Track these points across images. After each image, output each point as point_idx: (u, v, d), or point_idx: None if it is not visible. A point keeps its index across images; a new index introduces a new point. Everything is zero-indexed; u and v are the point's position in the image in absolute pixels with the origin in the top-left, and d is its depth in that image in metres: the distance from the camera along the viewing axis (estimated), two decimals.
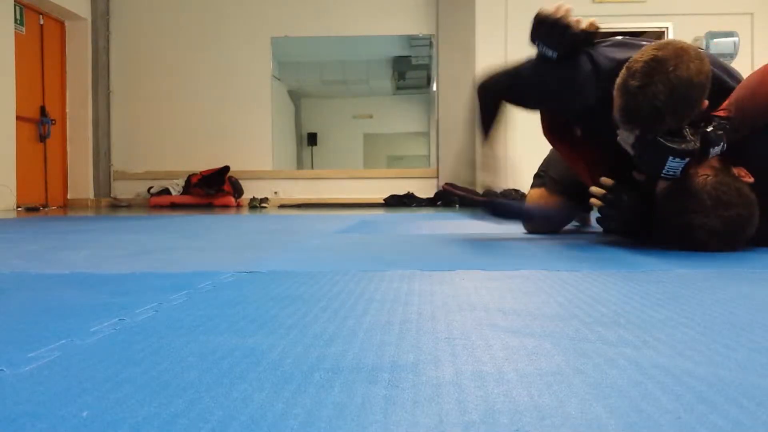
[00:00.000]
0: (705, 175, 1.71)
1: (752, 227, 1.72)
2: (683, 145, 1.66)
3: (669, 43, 1.71)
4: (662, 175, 1.72)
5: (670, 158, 1.67)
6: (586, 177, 2.14)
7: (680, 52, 1.66)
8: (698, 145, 1.66)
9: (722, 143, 1.68)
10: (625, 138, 1.76)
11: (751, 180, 1.73)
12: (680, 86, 1.62)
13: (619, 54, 1.92)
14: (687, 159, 1.67)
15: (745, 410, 0.52)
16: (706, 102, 1.70)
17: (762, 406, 0.53)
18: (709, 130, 1.68)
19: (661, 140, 1.68)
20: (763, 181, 1.78)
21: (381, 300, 1.03)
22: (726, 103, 1.75)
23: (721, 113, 1.72)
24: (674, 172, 1.70)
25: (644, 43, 1.93)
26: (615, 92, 1.74)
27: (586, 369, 0.64)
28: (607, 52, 1.98)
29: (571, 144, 2.24)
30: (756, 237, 1.85)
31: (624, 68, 1.73)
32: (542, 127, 2.32)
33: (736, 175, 1.74)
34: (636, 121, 1.70)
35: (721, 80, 1.82)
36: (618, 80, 1.73)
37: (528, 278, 1.29)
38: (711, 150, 1.68)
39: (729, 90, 1.81)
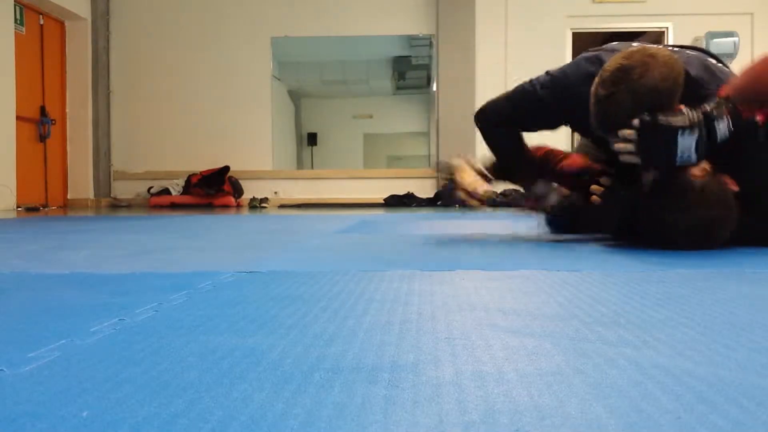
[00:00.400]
0: (693, 175, 1.71)
1: (727, 231, 1.74)
2: (686, 120, 1.61)
3: (637, 51, 1.72)
4: (678, 162, 1.64)
5: (679, 135, 1.61)
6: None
7: (647, 59, 1.67)
8: (701, 116, 1.63)
9: (726, 120, 1.62)
10: (623, 147, 1.74)
11: (736, 189, 1.74)
12: (645, 94, 1.65)
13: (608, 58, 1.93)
14: (696, 135, 1.61)
15: (745, 410, 0.52)
16: (682, 106, 1.68)
17: (762, 406, 0.53)
18: (708, 108, 1.63)
19: (662, 121, 1.63)
20: (762, 184, 1.79)
21: (381, 300, 1.03)
22: (725, 87, 1.73)
23: (720, 93, 1.70)
24: (689, 154, 1.62)
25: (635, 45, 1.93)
26: (590, 100, 1.76)
27: (586, 369, 0.64)
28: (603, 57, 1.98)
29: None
30: (756, 237, 1.86)
31: (597, 76, 1.75)
32: None
33: (723, 181, 1.75)
34: (606, 128, 1.72)
35: (701, 83, 1.80)
36: (591, 88, 1.76)
37: (528, 278, 1.29)
38: (716, 126, 1.62)
39: (709, 93, 1.76)
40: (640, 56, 1.69)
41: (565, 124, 2.18)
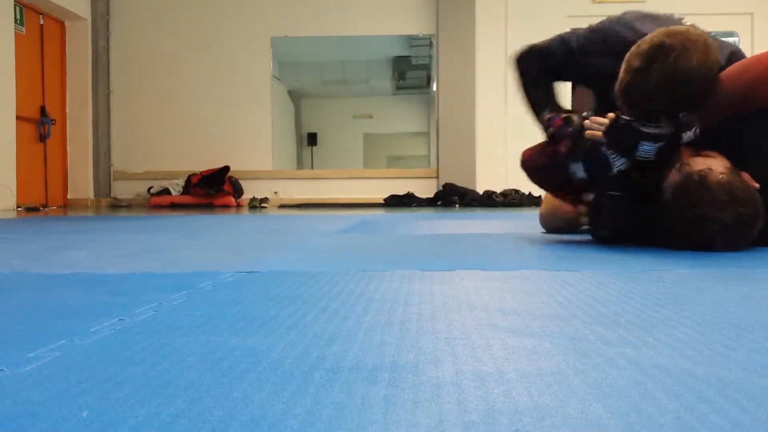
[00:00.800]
0: (720, 173, 1.69)
1: (757, 228, 1.72)
2: (656, 130, 1.68)
3: (681, 32, 1.71)
4: (636, 156, 1.74)
5: (643, 142, 1.71)
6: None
7: (688, 43, 1.67)
8: (671, 130, 1.67)
9: (695, 128, 1.71)
10: (590, 125, 1.79)
11: (757, 186, 1.73)
12: (677, 77, 1.65)
13: (644, 27, 1.91)
14: (660, 144, 1.70)
15: (745, 410, 0.52)
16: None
17: (762, 406, 0.53)
18: (681, 115, 1.70)
19: (633, 124, 1.70)
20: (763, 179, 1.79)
21: (381, 300, 1.03)
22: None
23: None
24: (647, 154, 1.72)
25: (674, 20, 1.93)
26: (623, 64, 1.77)
27: (586, 369, 0.64)
28: (636, 25, 1.96)
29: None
30: (756, 237, 1.85)
31: (636, 44, 1.75)
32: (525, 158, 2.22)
33: (744, 178, 1.74)
34: (629, 101, 1.73)
35: None
36: (627, 54, 1.76)
37: (528, 278, 1.29)
38: (684, 135, 1.71)
39: None
40: (682, 39, 1.68)
41: (587, 85, 2.19)
